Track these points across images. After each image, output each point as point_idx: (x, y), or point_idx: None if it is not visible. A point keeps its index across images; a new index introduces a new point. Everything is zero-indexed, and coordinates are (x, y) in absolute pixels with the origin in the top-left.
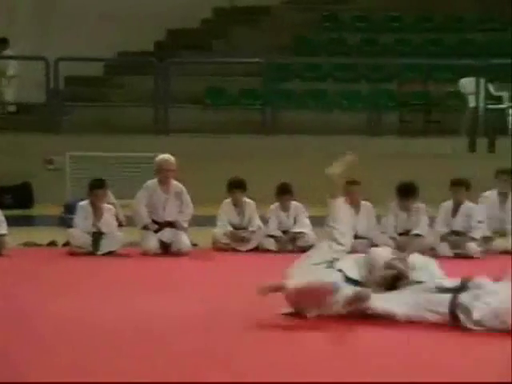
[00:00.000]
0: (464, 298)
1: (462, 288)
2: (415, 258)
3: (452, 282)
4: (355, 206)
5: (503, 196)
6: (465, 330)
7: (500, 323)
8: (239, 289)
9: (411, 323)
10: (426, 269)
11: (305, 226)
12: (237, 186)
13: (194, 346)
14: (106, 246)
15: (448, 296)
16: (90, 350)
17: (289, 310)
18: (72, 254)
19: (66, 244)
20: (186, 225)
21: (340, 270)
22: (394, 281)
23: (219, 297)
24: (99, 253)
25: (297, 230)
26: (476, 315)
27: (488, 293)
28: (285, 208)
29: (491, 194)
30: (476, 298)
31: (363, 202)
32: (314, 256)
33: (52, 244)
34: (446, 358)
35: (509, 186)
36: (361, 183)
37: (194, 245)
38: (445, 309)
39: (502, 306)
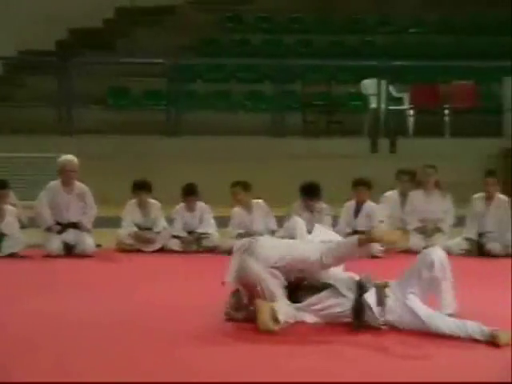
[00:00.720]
0: (368, 298)
1: (363, 288)
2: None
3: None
4: (247, 206)
5: (404, 196)
6: (373, 328)
7: (409, 322)
8: (142, 290)
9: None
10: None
11: (210, 227)
12: (141, 187)
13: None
14: (7, 247)
15: (352, 297)
16: None
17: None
18: None
19: None
20: (89, 226)
21: None
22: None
23: (123, 298)
24: (1, 254)
25: (202, 230)
26: (381, 314)
27: (393, 293)
28: (190, 208)
29: (392, 194)
30: (381, 297)
31: (255, 201)
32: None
33: None
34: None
35: (408, 186)
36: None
37: (98, 246)
38: (348, 308)
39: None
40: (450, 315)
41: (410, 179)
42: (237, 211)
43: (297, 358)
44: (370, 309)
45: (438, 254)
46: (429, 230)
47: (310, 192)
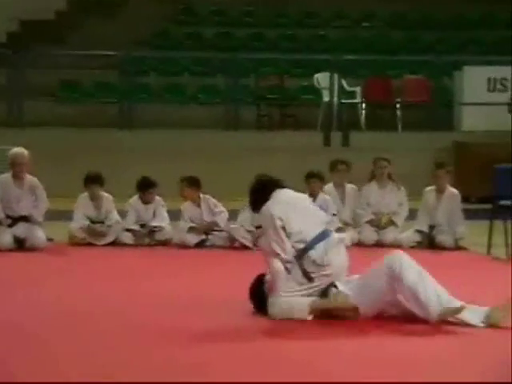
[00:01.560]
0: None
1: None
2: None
3: None
4: (195, 200)
5: (339, 187)
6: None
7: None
8: (94, 284)
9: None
10: None
11: (163, 220)
12: (93, 180)
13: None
14: None
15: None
16: None
17: None
18: None
19: None
20: (40, 219)
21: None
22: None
23: (74, 292)
24: None
25: (155, 223)
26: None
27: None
28: (145, 201)
29: (329, 187)
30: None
31: (202, 196)
32: None
33: None
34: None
35: (346, 176)
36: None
37: (50, 239)
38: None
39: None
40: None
41: (346, 169)
42: (187, 205)
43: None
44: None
45: (400, 262)
46: (382, 223)
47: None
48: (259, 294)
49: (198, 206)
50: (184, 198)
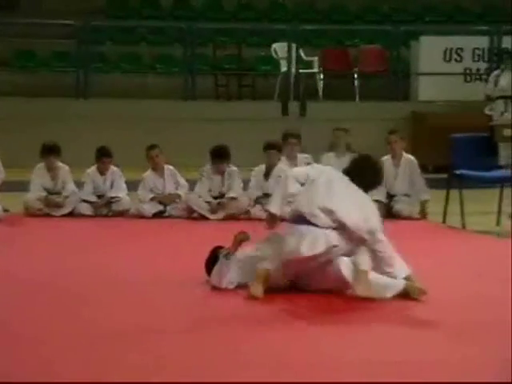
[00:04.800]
0: None
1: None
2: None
3: None
4: (160, 170)
5: (292, 159)
6: None
7: None
8: (51, 253)
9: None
10: None
11: (121, 191)
12: (50, 151)
13: None
14: None
15: None
16: None
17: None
18: None
19: None
20: None
21: None
22: None
23: (32, 263)
24: None
25: (112, 194)
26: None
27: None
28: (102, 172)
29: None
30: None
31: (166, 166)
32: None
33: None
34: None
35: (297, 149)
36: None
37: (6, 210)
38: None
39: None
40: (406, 277)
41: (297, 142)
42: (148, 175)
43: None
44: None
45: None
46: None
47: (220, 155)
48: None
49: (161, 175)
50: (155, 164)
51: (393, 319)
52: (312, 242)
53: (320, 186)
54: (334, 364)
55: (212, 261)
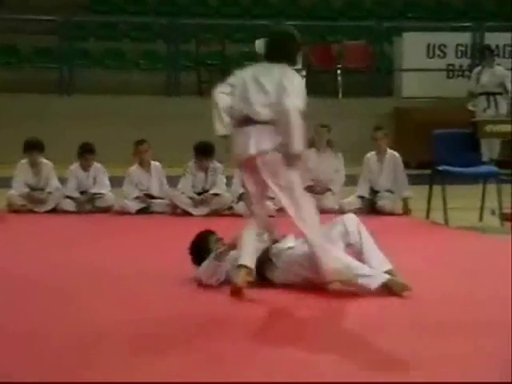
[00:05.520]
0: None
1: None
2: None
3: None
4: (146, 165)
5: None
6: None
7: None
8: (35, 249)
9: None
10: None
11: (104, 187)
12: (33, 147)
13: None
14: None
15: None
16: None
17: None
18: None
19: None
20: None
21: None
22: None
23: (15, 259)
24: None
25: (95, 190)
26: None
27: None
28: (85, 168)
29: None
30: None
31: (153, 162)
32: None
33: None
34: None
35: None
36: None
37: None
38: None
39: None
40: (388, 272)
41: None
42: (134, 170)
43: None
44: None
45: (349, 221)
46: (319, 190)
47: (204, 151)
48: (200, 249)
49: (147, 171)
50: (144, 160)
51: (380, 317)
52: (258, 141)
53: (249, 85)
54: (322, 362)
55: (201, 249)
